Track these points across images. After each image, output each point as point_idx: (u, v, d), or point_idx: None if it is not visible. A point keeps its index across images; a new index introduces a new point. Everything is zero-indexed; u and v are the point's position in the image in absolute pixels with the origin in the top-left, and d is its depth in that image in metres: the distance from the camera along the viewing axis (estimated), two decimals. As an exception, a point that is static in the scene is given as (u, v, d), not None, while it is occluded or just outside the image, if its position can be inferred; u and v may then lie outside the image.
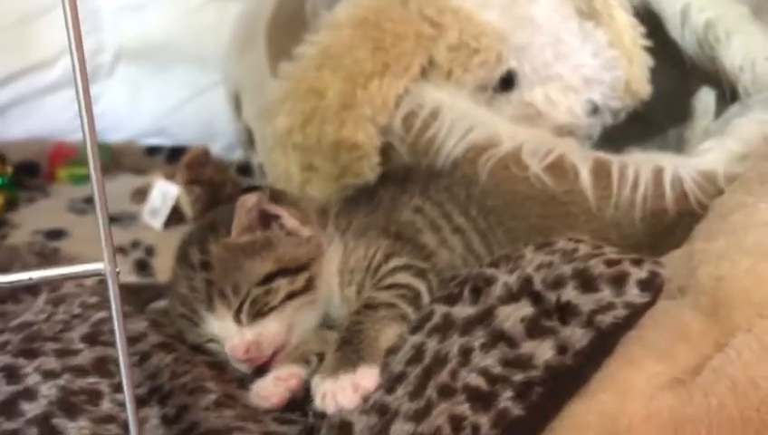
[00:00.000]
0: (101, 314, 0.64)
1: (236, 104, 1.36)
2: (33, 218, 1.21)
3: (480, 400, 0.59)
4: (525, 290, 0.65)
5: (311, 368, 0.65)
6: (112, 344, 0.62)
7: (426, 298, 0.68)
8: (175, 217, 1.19)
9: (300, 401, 0.64)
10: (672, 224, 0.96)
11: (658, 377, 0.63)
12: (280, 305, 0.66)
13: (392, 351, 0.63)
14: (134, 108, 1.58)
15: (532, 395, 0.60)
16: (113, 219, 1.24)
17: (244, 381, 0.65)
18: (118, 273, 0.43)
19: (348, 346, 0.62)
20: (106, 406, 0.56)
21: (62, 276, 0.42)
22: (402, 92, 0.99)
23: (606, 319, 0.63)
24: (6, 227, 1.19)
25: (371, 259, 0.71)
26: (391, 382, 0.60)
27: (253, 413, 0.60)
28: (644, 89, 1.13)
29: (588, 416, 0.62)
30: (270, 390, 0.63)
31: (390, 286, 0.67)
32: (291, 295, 0.67)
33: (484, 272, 0.68)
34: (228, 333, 0.66)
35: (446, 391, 0.59)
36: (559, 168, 0.95)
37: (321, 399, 0.59)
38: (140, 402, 0.58)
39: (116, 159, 1.55)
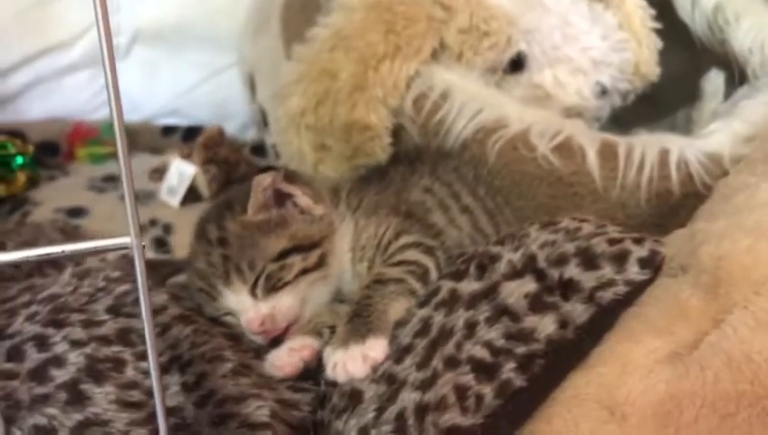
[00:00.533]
0: (124, 287, 0.67)
1: (251, 85, 1.39)
2: (54, 196, 1.25)
3: (484, 371, 0.62)
4: (529, 267, 0.68)
5: (323, 340, 0.68)
6: (135, 316, 0.65)
7: (433, 274, 0.71)
8: (191, 195, 1.22)
9: (313, 371, 0.67)
10: (677, 204, 0.98)
11: (657, 352, 0.65)
12: (294, 281, 0.69)
13: (401, 324, 0.66)
14: (150, 89, 1.61)
15: (534, 367, 0.63)
16: (132, 198, 1.28)
17: (259, 352, 0.68)
18: (144, 247, 0.46)
19: (358, 319, 0.65)
20: (130, 373, 0.60)
21: (92, 250, 0.45)
22: (413, 74, 1.01)
23: (606, 295, 0.66)
24: (29, 204, 1.23)
25: (382, 237, 0.73)
26: (399, 353, 0.63)
27: (268, 382, 0.63)
28: (653, 71, 1.14)
29: (587, 388, 0.64)
30: (284, 360, 0.66)
31: (400, 263, 0.70)
32: (304, 271, 0.70)
33: (489, 250, 0.70)
34: (244, 307, 0.69)
35: (452, 362, 0.62)
36: (566, 149, 0.97)
37: (332, 368, 0.63)
38: (162, 370, 0.61)
39: (132, 138, 1.58)
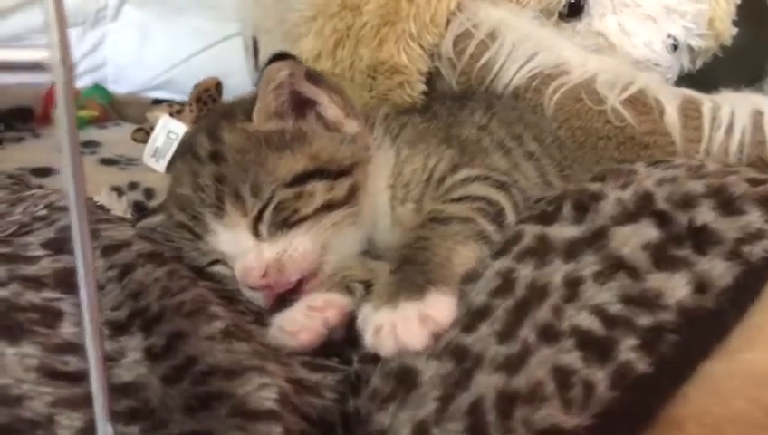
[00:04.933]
0: (73, 218, 0.45)
1: (254, 50, 1.19)
2: (18, 157, 1.03)
3: (594, 348, 0.41)
4: (646, 209, 0.47)
5: (355, 297, 0.46)
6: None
7: (510, 216, 0.49)
8: None
9: (339, 342, 0.44)
10: (774, 176, 0.78)
11: (825, 331, 0.45)
12: (314, 216, 0.47)
13: (470, 278, 0.44)
14: (140, 57, 1.42)
15: (661, 345, 0.42)
16: (111, 162, 1.07)
17: (262, 317, 0.46)
18: (72, 68, 0.25)
19: (411, 267, 0.43)
20: (66, 330, 0.38)
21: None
22: (454, 8, 0.81)
23: (755, 251, 0.45)
24: (-14, 164, 1.01)
25: (432, 170, 0.52)
26: (471, 317, 0.41)
27: (276, 355, 0.41)
28: (727, 29, 0.95)
29: (731, 380, 0.44)
30: (300, 322, 0.43)
31: (463, 198, 0.48)
32: (328, 206, 0.48)
33: (587, 187, 0.49)
34: (241, 249, 0.47)
35: (549, 334, 0.41)
36: (641, 103, 0.77)
37: (374, 334, 0.40)
38: (117, 329, 0.39)
39: (119, 110, 1.38)
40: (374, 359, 0.41)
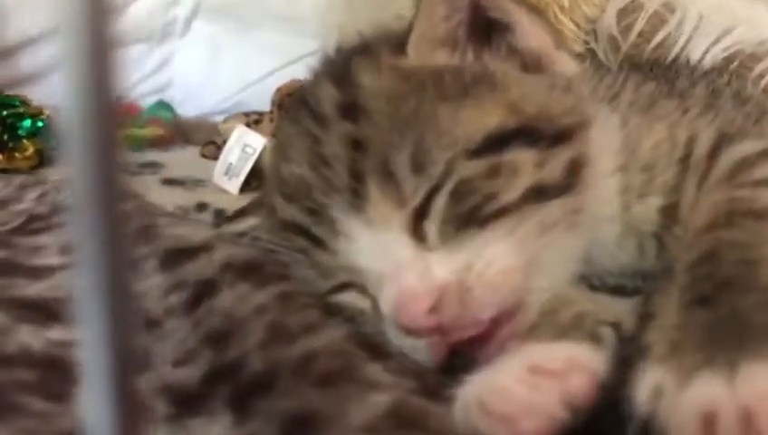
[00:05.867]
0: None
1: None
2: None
3: None
4: None
5: (603, 349, 0.25)
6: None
7: None
8: (256, 181, 0.82)
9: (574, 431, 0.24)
10: None
11: None
12: (517, 208, 0.27)
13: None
14: (210, 76, 1.28)
15: None
16: (175, 182, 0.90)
17: (427, 382, 0.26)
18: None
19: (738, 297, 0.22)
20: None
21: None
22: (619, -26, 0.63)
23: None
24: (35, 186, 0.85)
25: (690, 144, 0.32)
26: None
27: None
28: None
29: None
30: (521, 398, 0.23)
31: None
32: (538, 192, 0.28)
33: None
34: (394, 263, 0.26)
35: None
36: None
37: (700, 426, 0.19)
38: (184, 404, 0.20)
39: (186, 135, 1.24)
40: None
